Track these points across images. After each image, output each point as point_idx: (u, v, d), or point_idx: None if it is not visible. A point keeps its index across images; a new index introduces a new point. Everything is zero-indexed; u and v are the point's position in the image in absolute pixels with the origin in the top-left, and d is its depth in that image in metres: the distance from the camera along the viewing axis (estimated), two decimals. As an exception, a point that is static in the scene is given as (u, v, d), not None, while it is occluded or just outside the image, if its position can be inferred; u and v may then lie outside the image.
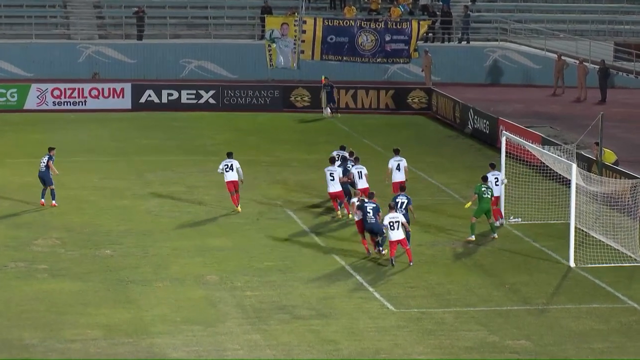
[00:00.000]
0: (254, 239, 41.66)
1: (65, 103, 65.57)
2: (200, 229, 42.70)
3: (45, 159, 45.72)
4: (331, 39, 66.02)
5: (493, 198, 41.93)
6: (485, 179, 41.86)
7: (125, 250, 39.92)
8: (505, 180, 43.20)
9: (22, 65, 69.22)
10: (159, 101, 66.39)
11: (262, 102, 66.98)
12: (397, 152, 45.87)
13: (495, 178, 42.53)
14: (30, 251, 39.56)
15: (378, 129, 61.88)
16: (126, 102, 66.11)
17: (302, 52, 66.15)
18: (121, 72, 69.41)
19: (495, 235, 41.61)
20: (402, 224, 38.25)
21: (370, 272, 37.92)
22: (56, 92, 65.75)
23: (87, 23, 73.21)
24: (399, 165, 45.01)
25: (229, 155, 45.44)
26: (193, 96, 66.80)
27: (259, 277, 37.24)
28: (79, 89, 66.24)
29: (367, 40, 66.06)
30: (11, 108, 64.72)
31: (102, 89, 66.43)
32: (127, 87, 66.52)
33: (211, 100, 66.76)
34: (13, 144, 55.76)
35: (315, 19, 66.79)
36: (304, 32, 65.91)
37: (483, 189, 41.27)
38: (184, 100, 66.57)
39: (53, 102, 65.48)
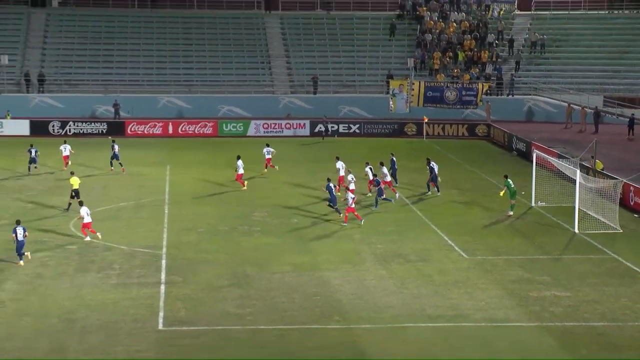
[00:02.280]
0: (381, 214, 41.62)
1: (270, 132, 66.12)
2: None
3: (116, 146, 50.14)
4: (429, 93, 65.75)
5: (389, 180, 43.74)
6: (506, 176, 42.20)
7: (305, 219, 40.10)
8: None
9: (245, 109, 70.03)
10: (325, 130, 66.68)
11: (387, 131, 66.77)
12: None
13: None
14: (250, 219, 40.00)
15: (457, 148, 61.35)
16: (306, 132, 66.36)
17: (411, 102, 66.05)
18: (303, 113, 69.75)
19: (511, 213, 41.06)
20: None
21: (452, 234, 37.64)
22: (265, 125, 66.33)
23: (284, 84, 73.80)
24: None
25: (238, 157, 46.33)
26: (346, 127, 66.86)
27: (385, 236, 37.21)
28: (278, 123, 66.77)
29: (451, 94, 65.61)
30: (239, 134, 65.47)
31: (292, 124, 66.82)
32: (307, 122, 66.83)
33: (357, 130, 66.75)
34: (243, 154, 56.31)
35: (419, 82, 66.62)
36: (412, 89, 65.79)
37: (509, 182, 41.43)
38: (341, 130, 66.60)
39: (263, 131, 66.08)
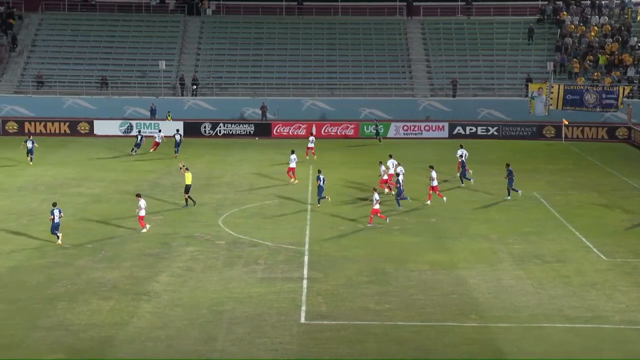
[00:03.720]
0: (518, 214, 40.79)
1: (410, 134, 65.83)
2: (486, 208, 42.08)
3: (178, 137, 55.67)
4: (569, 96, 64.28)
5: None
6: None
7: (440, 219, 39.72)
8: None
9: (386, 111, 69.75)
10: (464, 133, 65.80)
11: (525, 133, 65.52)
12: (432, 167, 43.77)
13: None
14: (389, 218, 39.82)
15: (596, 151, 59.65)
16: (444, 134, 65.79)
17: (551, 105, 64.66)
18: (442, 115, 69.15)
19: None
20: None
21: (590, 235, 36.52)
22: (405, 127, 66.12)
23: (423, 87, 73.30)
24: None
25: (293, 152, 47.32)
26: (484, 130, 65.94)
27: (522, 237, 36.48)
28: (417, 125, 66.41)
29: (591, 97, 63.90)
30: (380, 136, 65.49)
31: (431, 126, 66.36)
32: (446, 125, 66.27)
33: (495, 133, 65.73)
34: (379, 155, 56.20)
35: (559, 85, 65.12)
36: (551, 92, 64.38)
37: None
38: (479, 132, 65.77)
39: (403, 133, 65.86)
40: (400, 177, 43.03)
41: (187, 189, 41.33)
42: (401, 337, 25.47)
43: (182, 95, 71.27)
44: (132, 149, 56.56)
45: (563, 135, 64.14)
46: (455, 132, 65.80)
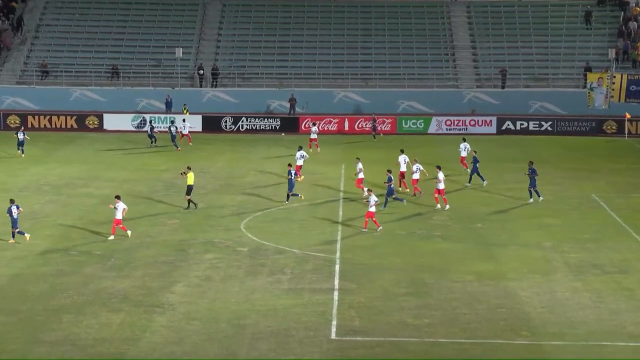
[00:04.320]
0: (574, 219, 40.55)
1: (453, 129, 65.68)
2: (538, 212, 41.83)
3: (174, 129, 57.59)
4: (632, 87, 63.89)
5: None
6: None
7: (489, 224, 39.63)
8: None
9: (426, 104, 69.58)
10: (514, 128, 65.59)
11: (583, 129, 65.19)
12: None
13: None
14: (429, 223, 39.74)
15: (663, 148, 59.38)
16: (492, 129, 65.60)
17: (612, 97, 64.23)
18: (489, 109, 68.79)
19: None
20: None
21: (656, 244, 36.34)
22: (448, 122, 65.99)
23: (469, 78, 73.04)
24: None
25: (300, 148, 48.31)
26: (537, 125, 65.69)
27: (579, 244, 36.25)
28: (462, 120, 66.26)
29: (658, 88, 63.86)
30: (419, 132, 65.43)
31: (477, 120, 66.17)
32: (494, 119, 66.04)
33: (549, 128, 65.47)
34: (422, 153, 56.28)
35: (621, 75, 64.75)
36: (613, 83, 64.01)
37: None
38: (531, 128, 65.56)
39: (445, 128, 65.74)
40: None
41: (189, 190, 41.42)
42: (443, 355, 25.37)
43: (201, 86, 71.56)
44: (151, 142, 58.90)
45: (626, 131, 63.72)
46: (504, 127, 65.55)
